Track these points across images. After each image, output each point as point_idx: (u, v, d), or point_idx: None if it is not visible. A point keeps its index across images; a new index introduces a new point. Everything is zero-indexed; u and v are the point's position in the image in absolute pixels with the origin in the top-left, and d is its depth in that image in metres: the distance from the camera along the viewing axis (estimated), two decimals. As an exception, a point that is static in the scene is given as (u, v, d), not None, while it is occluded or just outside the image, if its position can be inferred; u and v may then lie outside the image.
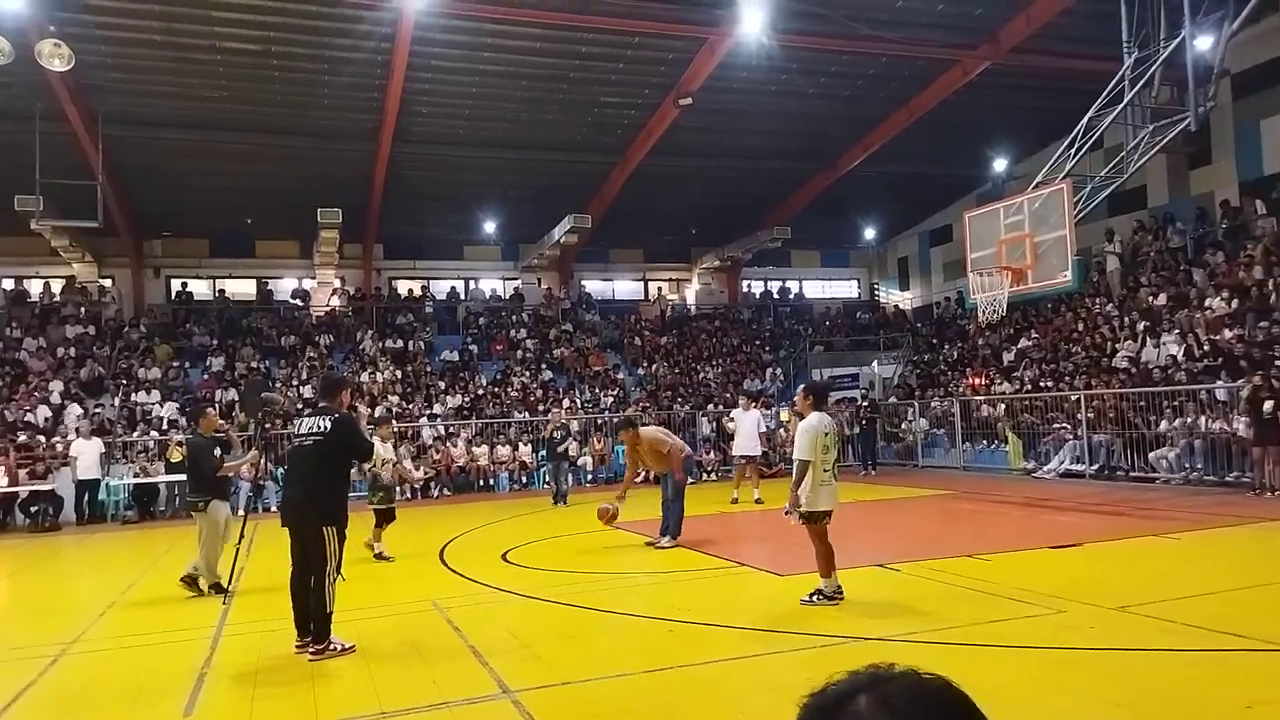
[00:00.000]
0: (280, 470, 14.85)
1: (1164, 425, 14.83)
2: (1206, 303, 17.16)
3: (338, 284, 25.60)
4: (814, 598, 6.90)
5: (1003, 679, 4.93)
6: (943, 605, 6.85)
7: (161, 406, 19.84)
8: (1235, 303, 16.58)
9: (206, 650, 6.46)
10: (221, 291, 25.27)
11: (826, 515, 6.92)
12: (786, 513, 7.09)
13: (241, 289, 25.77)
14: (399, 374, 22.47)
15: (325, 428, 6.21)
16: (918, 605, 6.96)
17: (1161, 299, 18.55)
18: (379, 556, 10.35)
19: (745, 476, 15.10)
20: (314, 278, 25.54)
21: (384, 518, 10.53)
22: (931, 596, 7.20)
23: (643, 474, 11.99)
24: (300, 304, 25.04)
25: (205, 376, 21.56)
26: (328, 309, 25.21)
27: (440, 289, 27.15)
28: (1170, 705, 4.39)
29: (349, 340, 24.03)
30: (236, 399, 19.67)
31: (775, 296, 30.25)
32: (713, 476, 20.36)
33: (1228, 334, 15.80)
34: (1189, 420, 14.38)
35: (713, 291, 29.51)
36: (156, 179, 21.39)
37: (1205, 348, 15.98)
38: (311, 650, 6.08)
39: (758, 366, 25.27)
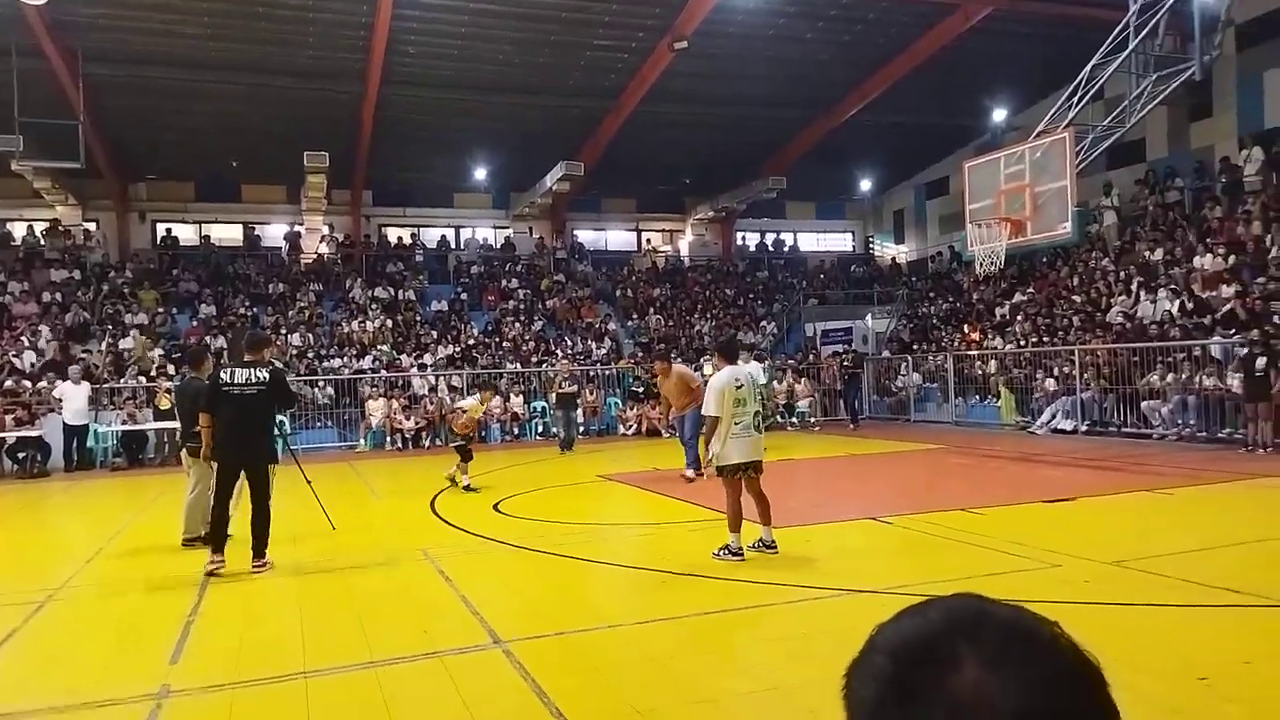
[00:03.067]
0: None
1: (1156, 380, 14.81)
2: (1200, 259, 17.04)
3: (326, 230, 25.21)
4: (721, 552, 6.83)
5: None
6: (936, 558, 6.82)
7: (149, 352, 19.62)
8: (1231, 259, 16.47)
9: (194, 598, 6.39)
10: (207, 237, 24.88)
11: (740, 469, 6.84)
12: (704, 469, 7.12)
13: (228, 234, 25.37)
14: (389, 323, 22.27)
15: (264, 379, 7.05)
16: (911, 557, 6.93)
17: (1158, 254, 18.43)
18: (467, 488, 11.30)
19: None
20: (302, 224, 25.15)
21: (464, 454, 11.62)
22: (925, 549, 7.18)
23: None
24: (288, 250, 24.68)
25: (194, 323, 21.31)
26: (316, 256, 24.87)
27: (430, 237, 26.82)
28: (1168, 660, 4.35)
29: (338, 288, 23.75)
30: (225, 346, 19.46)
31: (770, 249, 30.00)
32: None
33: (1224, 290, 15.71)
34: (1183, 376, 14.36)
35: (706, 243, 29.24)
36: (140, 120, 20.91)
37: (1201, 303, 15.90)
38: (255, 563, 7.00)
39: (751, 320, 25.13)
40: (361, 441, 18.41)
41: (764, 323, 25.02)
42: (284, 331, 21.10)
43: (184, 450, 8.84)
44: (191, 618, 5.87)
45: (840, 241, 31.59)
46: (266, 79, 19.66)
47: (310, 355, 20.69)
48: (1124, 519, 8.38)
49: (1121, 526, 8.03)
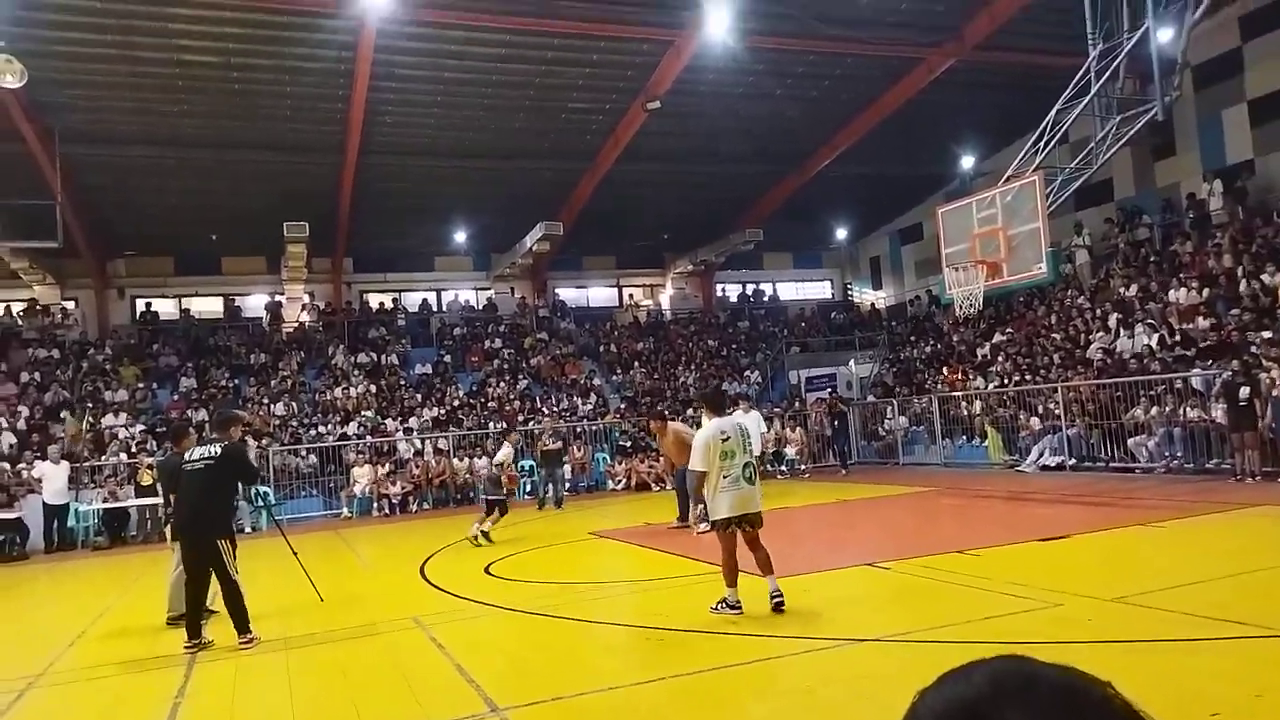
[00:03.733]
0: (253, 490, 14.71)
1: (1140, 414, 14.91)
2: (1175, 293, 17.30)
3: (307, 299, 25.21)
4: (719, 606, 6.70)
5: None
6: (937, 602, 6.75)
7: (129, 429, 19.39)
8: (1205, 291, 16.74)
9: (181, 678, 6.22)
10: (186, 310, 24.79)
11: (730, 523, 6.68)
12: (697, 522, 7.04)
13: (208, 307, 25.31)
14: (373, 388, 22.16)
15: (215, 454, 7.13)
16: (911, 603, 6.86)
17: (1132, 290, 18.70)
18: (483, 534, 11.83)
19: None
20: (283, 293, 25.13)
21: (497, 507, 12.07)
22: (924, 594, 7.11)
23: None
24: (269, 320, 24.62)
25: (175, 397, 21.12)
26: (297, 324, 24.82)
27: (412, 301, 26.85)
28: (1179, 697, 4.30)
29: (320, 355, 23.66)
30: (207, 419, 19.26)
31: (750, 299, 30.23)
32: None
33: (1201, 322, 15.93)
34: (1167, 409, 14.46)
35: (687, 296, 29.43)
36: (118, 197, 20.96)
37: (1178, 337, 16.11)
38: (240, 640, 6.92)
39: (735, 369, 25.20)
40: (346, 509, 18.16)
41: (748, 372, 25.09)
42: (266, 401, 20.94)
43: (167, 527, 8.71)
44: (179, 699, 5.70)
45: (819, 289, 31.90)
46: (245, 153, 19.80)
47: (294, 424, 20.52)
48: (1119, 554, 8.35)
49: (1118, 562, 7.99)
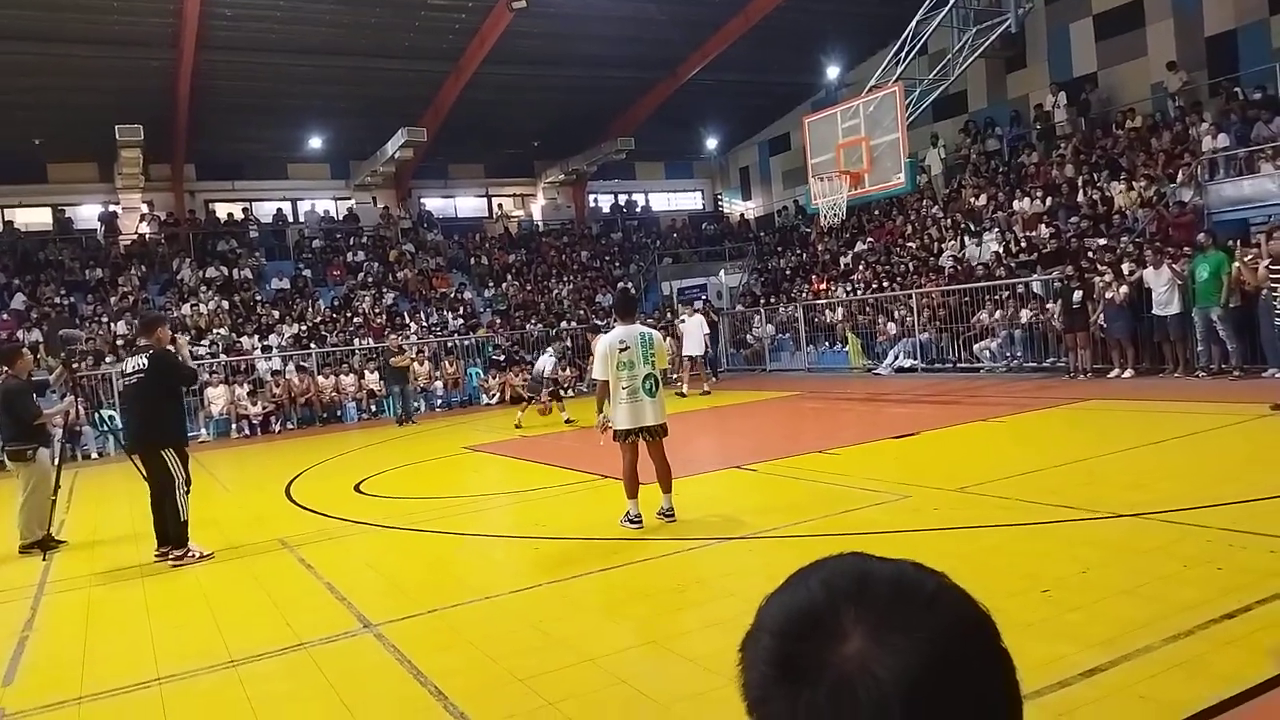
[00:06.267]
0: (96, 414, 13.89)
1: (985, 318, 15.86)
2: (1020, 203, 18.26)
3: (145, 209, 23.37)
4: (623, 521, 6.57)
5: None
6: (799, 500, 7.08)
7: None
8: (1048, 200, 17.74)
9: (27, 611, 5.87)
10: (10, 222, 22.58)
11: (629, 434, 6.56)
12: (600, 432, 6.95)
13: (35, 219, 23.10)
14: (225, 304, 20.98)
15: (143, 365, 6.91)
16: (776, 502, 7.16)
17: (982, 199, 19.62)
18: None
19: (692, 372, 17.38)
20: (118, 203, 23.19)
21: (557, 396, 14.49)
22: (788, 492, 7.44)
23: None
24: (104, 232, 22.73)
25: (4, 316, 19.37)
26: (136, 237, 23.04)
27: (265, 211, 25.32)
28: (1015, 577, 4.68)
29: (164, 270, 22.14)
30: (40, 339, 17.82)
31: (623, 210, 30.05)
32: (570, 393, 20.12)
33: (1043, 230, 16.92)
34: (1009, 313, 15.42)
35: (559, 206, 28.97)
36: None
37: (1023, 244, 17.08)
38: (173, 556, 6.82)
39: (608, 281, 25.17)
40: (203, 431, 17.34)
41: (621, 283, 25.10)
42: (106, 320, 19.51)
43: (6, 456, 8.12)
44: (26, 632, 5.40)
45: (690, 200, 32.00)
46: (67, 48, 17.80)
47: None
48: (963, 448, 8.96)
49: (962, 455, 8.58)
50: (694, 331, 17.28)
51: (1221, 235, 12.94)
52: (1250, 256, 11.05)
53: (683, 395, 16.76)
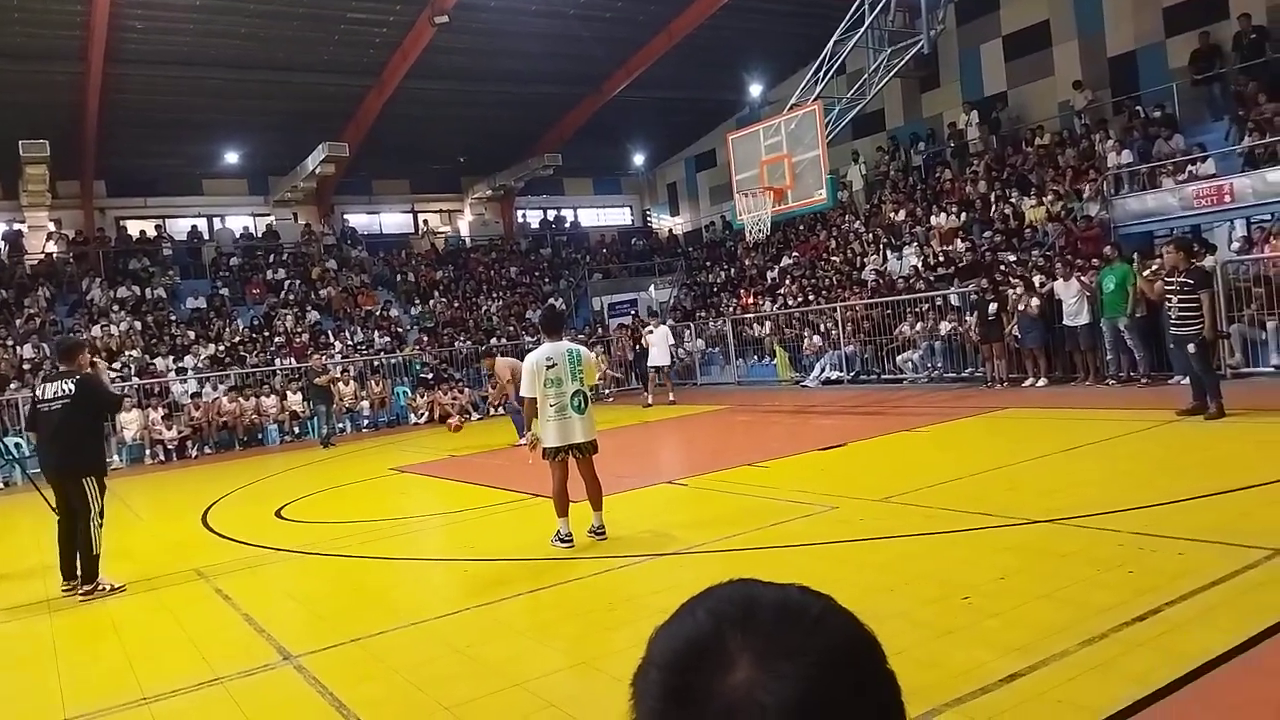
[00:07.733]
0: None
1: (907, 330, 16.26)
2: (936, 218, 18.82)
3: (53, 227, 22.40)
4: (554, 541, 6.50)
5: (788, 579, 5.16)
6: (729, 514, 7.12)
7: None
8: (963, 216, 18.32)
9: (-85, 658, 5.52)
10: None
11: (559, 452, 6.49)
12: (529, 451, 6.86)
13: (-72, 237, 21.94)
14: (138, 324, 20.21)
15: (70, 390, 6.71)
16: (706, 516, 7.19)
17: (901, 215, 20.16)
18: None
19: (657, 383, 17.44)
20: (23, 220, 22.19)
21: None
22: (718, 507, 7.47)
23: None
24: (9, 251, 21.69)
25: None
26: (43, 256, 22.06)
27: (179, 229, 24.51)
28: (936, 585, 4.78)
29: (72, 290, 21.24)
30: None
31: (552, 225, 29.97)
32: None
33: (959, 245, 17.45)
34: (929, 324, 15.85)
35: (487, 222, 28.75)
36: None
37: (940, 258, 17.59)
38: (82, 591, 6.56)
39: (538, 297, 25.05)
40: (116, 457, 16.62)
41: (550, 299, 25.02)
42: (11, 343, 18.61)
43: None
44: (-88, 682, 5.07)
45: (619, 215, 32.11)
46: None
47: (46, 367, 18.36)
48: (888, 459, 9.14)
49: (887, 466, 8.75)
50: (660, 342, 17.43)
51: (1127, 248, 13.52)
52: (1150, 270, 11.52)
53: (648, 405, 16.99)
